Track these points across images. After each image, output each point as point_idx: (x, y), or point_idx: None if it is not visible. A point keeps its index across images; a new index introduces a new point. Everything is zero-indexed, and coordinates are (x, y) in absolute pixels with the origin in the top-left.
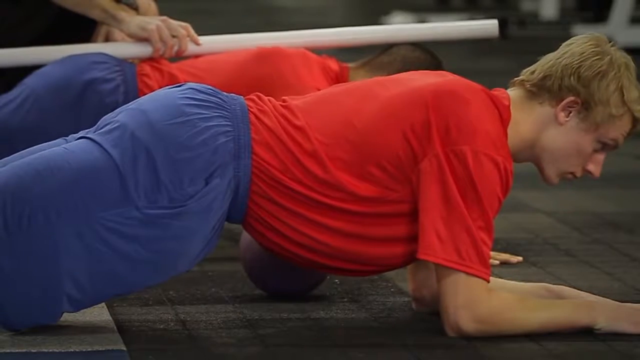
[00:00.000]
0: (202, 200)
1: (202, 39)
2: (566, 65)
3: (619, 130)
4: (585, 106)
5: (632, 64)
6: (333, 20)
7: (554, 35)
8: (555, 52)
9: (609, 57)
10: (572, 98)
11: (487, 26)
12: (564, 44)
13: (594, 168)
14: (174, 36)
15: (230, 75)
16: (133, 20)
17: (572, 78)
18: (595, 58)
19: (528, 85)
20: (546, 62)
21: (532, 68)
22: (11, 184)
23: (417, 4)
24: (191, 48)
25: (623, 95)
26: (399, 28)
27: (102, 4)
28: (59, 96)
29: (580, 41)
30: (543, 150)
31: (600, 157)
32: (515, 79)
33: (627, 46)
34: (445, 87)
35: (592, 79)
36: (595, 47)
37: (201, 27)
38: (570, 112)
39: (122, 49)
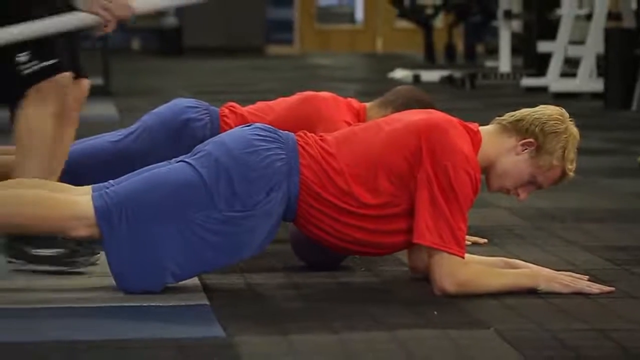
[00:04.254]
0: (265, 207)
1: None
2: (537, 118)
3: (548, 176)
4: (538, 149)
5: (578, 137)
6: (356, 73)
7: (508, 84)
8: (533, 108)
9: (565, 125)
10: (531, 140)
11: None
12: (541, 105)
13: (522, 193)
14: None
15: (283, 114)
16: None
17: (537, 128)
18: (557, 122)
19: (505, 122)
20: (524, 112)
21: (513, 113)
22: (132, 193)
23: (412, 63)
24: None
25: (564, 154)
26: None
27: None
28: (165, 130)
29: (552, 108)
30: (496, 168)
31: (530, 188)
32: (497, 117)
33: (559, 92)
34: (432, 121)
35: (549, 133)
36: (560, 116)
37: (260, 79)
38: (526, 149)
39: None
